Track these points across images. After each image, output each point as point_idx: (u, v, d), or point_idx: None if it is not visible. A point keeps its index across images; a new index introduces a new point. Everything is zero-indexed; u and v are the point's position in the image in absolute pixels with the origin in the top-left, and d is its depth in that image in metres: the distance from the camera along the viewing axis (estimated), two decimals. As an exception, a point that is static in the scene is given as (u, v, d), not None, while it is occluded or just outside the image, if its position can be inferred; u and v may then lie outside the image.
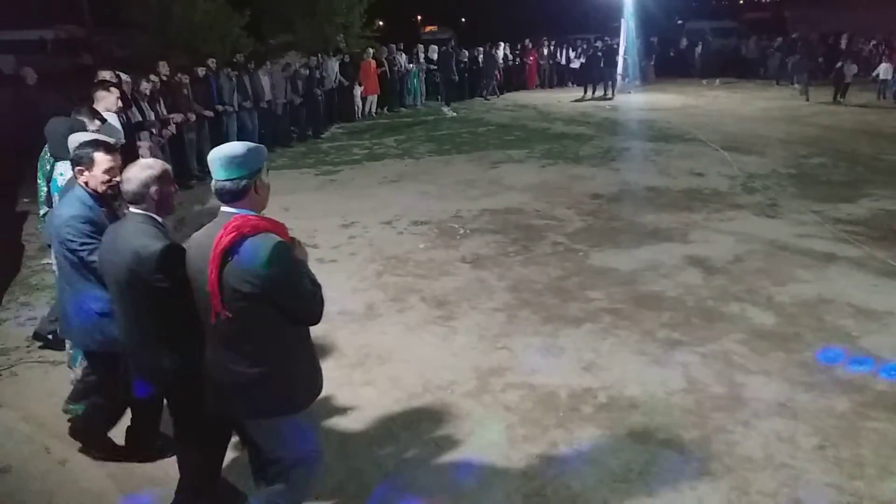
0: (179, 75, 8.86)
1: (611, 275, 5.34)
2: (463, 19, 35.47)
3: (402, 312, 4.77)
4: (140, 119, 7.37)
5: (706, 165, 9.13)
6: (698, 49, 22.20)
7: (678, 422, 3.39)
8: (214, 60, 9.80)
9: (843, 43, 18.62)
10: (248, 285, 2.07)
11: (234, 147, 2.18)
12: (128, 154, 3.46)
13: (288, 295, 2.15)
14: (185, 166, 8.65)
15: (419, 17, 34.42)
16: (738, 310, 4.65)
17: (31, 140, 4.55)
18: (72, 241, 2.81)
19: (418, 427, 3.41)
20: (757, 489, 2.90)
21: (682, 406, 3.53)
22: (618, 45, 19.33)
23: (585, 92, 17.66)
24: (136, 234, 2.42)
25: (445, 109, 15.77)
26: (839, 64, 15.11)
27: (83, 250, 2.81)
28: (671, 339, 4.27)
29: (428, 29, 31.84)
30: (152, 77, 7.92)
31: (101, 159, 2.87)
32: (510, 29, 23.27)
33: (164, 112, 8.09)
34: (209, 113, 9.22)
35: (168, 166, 2.56)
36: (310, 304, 2.21)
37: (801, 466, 3.03)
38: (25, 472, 3.15)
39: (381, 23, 20.42)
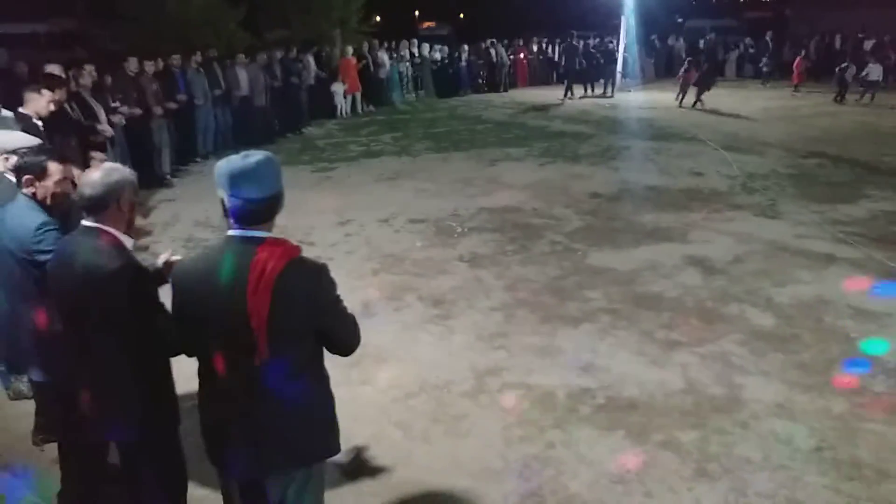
0: (147, 69, 8.48)
1: (609, 274, 5.33)
2: (461, 15, 35.39)
3: (399, 311, 4.75)
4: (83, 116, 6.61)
5: (706, 165, 9.11)
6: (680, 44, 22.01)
7: (676, 423, 3.38)
8: (179, 57, 9.46)
9: (838, 43, 18.58)
10: (305, 318, 1.80)
11: (260, 158, 1.80)
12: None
13: (340, 324, 1.92)
14: (155, 169, 8.35)
15: (417, 13, 34.31)
16: (738, 311, 4.64)
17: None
18: (47, 251, 2.45)
19: (415, 427, 3.40)
20: (754, 491, 2.90)
21: (681, 407, 3.53)
22: (616, 43, 19.27)
23: (585, 91, 17.61)
24: (91, 252, 2.11)
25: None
26: (844, 65, 15.06)
27: None
28: (670, 339, 4.26)
29: (426, 24, 31.80)
30: (87, 68, 7.21)
31: (55, 169, 2.58)
32: (508, 25, 23.19)
33: (127, 110, 7.66)
34: (172, 105, 8.80)
35: (133, 174, 2.26)
36: (355, 330, 1.97)
37: (798, 468, 3.04)
38: (19, 471, 3.13)
39: (378, 18, 20.35)
